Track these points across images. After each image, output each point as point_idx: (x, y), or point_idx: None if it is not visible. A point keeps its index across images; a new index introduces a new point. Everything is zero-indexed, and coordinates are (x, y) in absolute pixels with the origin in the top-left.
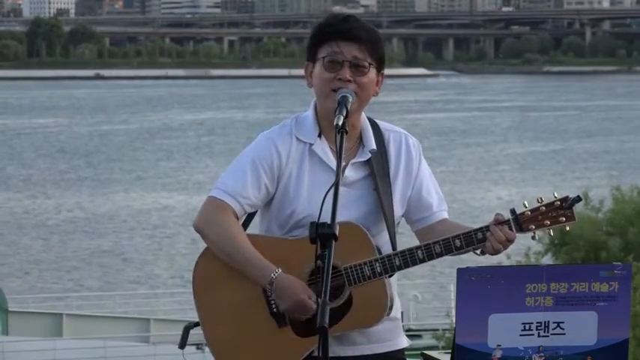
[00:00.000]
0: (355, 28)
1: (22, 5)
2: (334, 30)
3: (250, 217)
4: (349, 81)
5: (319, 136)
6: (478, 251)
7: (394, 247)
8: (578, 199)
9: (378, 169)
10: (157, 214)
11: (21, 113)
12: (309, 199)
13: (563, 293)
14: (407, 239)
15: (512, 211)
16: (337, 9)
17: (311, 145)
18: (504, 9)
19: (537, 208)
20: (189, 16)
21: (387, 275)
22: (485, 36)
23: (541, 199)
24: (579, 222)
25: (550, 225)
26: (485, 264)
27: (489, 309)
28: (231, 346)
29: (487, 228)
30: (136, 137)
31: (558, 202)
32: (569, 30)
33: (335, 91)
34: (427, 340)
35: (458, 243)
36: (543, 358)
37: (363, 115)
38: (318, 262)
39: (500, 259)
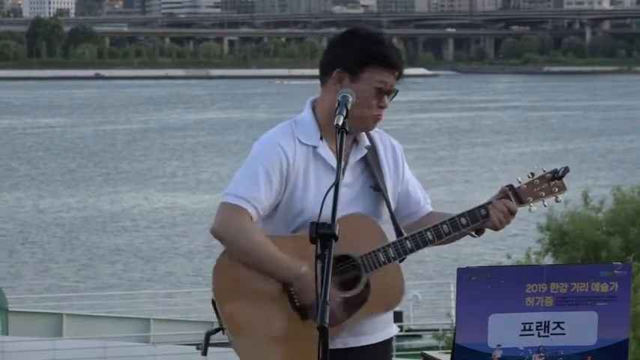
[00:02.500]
0: (399, 58)
1: (22, 5)
2: (391, 61)
3: None
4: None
5: (321, 138)
6: (474, 232)
7: (401, 236)
8: (566, 169)
9: (374, 165)
10: (168, 213)
11: (24, 113)
12: (316, 200)
13: (563, 293)
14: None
15: (510, 186)
16: (337, 9)
17: (315, 147)
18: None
19: (532, 182)
20: (184, 16)
21: (400, 259)
22: (485, 36)
23: (532, 173)
24: (579, 222)
25: (545, 196)
26: (484, 264)
27: (489, 309)
28: (259, 344)
29: (489, 203)
30: (141, 137)
31: (549, 175)
32: (569, 30)
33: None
34: (427, 340)
35: (464, 221)
36: (543, 358)
37: None
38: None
39: (501, 259)
